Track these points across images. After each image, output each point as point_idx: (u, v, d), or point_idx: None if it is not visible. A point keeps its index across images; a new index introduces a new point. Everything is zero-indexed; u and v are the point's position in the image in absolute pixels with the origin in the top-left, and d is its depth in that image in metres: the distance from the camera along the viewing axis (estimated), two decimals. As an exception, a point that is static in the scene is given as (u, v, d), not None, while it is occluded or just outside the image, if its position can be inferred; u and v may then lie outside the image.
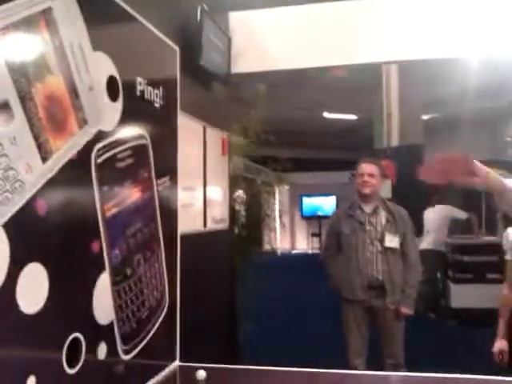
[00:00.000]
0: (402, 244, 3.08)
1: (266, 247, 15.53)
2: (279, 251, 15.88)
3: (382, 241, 3.06)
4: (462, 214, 6.44)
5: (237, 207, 5.18)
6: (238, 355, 3.21)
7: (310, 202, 16.22)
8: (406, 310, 3.07)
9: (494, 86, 8.60)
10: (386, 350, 3.12)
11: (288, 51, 3.20)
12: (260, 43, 3.11)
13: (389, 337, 3.11)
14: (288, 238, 16.60)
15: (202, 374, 1.81)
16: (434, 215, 6.41)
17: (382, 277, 3.03)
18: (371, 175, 3.10)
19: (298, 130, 14.07)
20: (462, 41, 3.15)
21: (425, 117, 9.59)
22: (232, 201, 3.26)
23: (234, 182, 5.25)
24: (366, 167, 3.12)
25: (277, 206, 16.13)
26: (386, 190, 7.63)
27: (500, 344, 2.31)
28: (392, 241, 3.06)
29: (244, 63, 3.06)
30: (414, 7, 3.20)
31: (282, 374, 1.96)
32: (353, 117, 12.82)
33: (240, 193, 5.45)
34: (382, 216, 3.12)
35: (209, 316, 2.60)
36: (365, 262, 3.05)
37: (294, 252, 16.50)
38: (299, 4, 3.35)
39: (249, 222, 5.93)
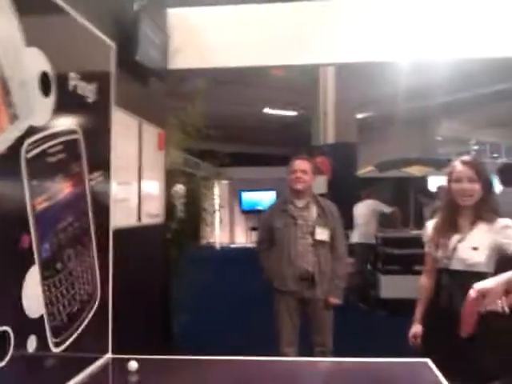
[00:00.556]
0: (331, 237, 3.23)
1: (205, 241, 15.54)
2: (218, 245, 15.99)
3: (312, 234, 3.19)
4: (386, 209, 6.76)
5: (176, 201, 5.20)
6: (172, 347, 3.26)
7: (250, 197, 16.37)
8: (335, 300, 3.22)
9: (424, 88, 9.04)
10: (315, 339, 3.26)
11: (226, 49, 3.26)
12: (198, 40, 3.16)
13: (319, 326, 3.25)
14: (227, 232, 16.71)
15: (133, 365, 1.86)
16: (363, 210, 6.70)
17: (313, 268, 3.17)
18: (304, 171, 3.22)
19: (239, 125, 14.17)
20: (394, 45, 3.33)
21: (360, 116, 9.94)
22: (168, 195, 3.28)
23: (172, 176, 5.27)
24: (299, 164, 3.24)
25: (216, 201, 16.20)
26: (321, 185, 7.87)
27: (415, 328, 2.48)
28: (322, 234, 3.19)
29: (182, 60, 3.10)
30: (350, 12, 3.34)
31: (212, 363, 2.03)
32: (293, 113, 13.05)
33: (179, 187, 5.47)
34: (313, 210, 3.25)
35: (143, 309, 2.63)
36: (296, 255, 3.17)
37: (233, 246, 16.61)
38: (239, 3, 3.43)
39: (187, 216, 5.95)
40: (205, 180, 9.57)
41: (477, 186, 2.25)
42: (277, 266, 3.23)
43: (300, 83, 8.53)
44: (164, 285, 3.10)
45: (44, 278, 1.58)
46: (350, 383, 1.89)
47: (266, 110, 12.81)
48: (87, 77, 1.84)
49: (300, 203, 3.26)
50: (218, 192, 16.35)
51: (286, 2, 3.44)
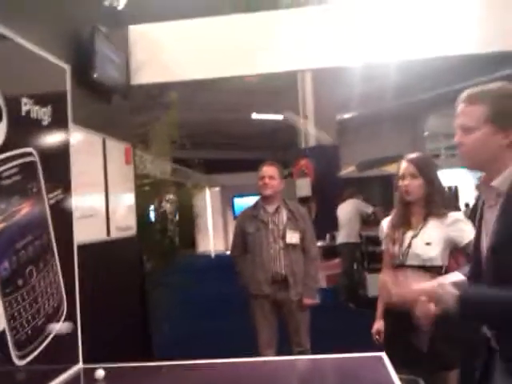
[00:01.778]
0: (302, 240, 3.32)
1: (200, 249, 15.53)
2: (213, 253, 16.02)
3: (283, 238, 3.28)
4: (368, 208, 6.86)
5: (167, 212, 5.28)
6: (153, 358, 3.33)
7: (242, 203, 16.46)
8: (309, 301, 3.31)
9: (409, 85, 9.15)
10: (293, 339, 3.35)
11: (190, 62, 3.34)
12: (161, 55, 3.23)
13: (295, 327, 3.34)
14: (221, 238, 16.75)
15: (100, 373, 1.94)
16: (345, 210, 6.80)
17: (285, 271, 3.26)
18: (271, 177, 3.31)
19: (228, 131, 14.28)
20: (370, 47, 3.32)
21: (345, 116, 10.05)
22: (139, 208, 3.35)
23: (162, 187, 5.36)
24: (266, 170, 3.33)
25: (209, 208, 16.29)
26: (306, 187, 7.99)
27: (377, 325, 2.58)
28: (293, 237, 3.29)
29: (145, 75, 3.19)
30: (314, 19, 3.38)
31: (185, 368, 2.10)
32: (279, 117, 13.17)
33: (169, 197, 5.55)
34: (284, 215, 3.34)
35: (118, 321, 2.71)
36: (268, 259, 3.26)
37: (228, 253, 16.63)
38: (201, 17, 3.52)
39: (180, 226, 6.04)
40: (195, 188, 9.66)
41: (417, 182, 2.35)
42: (250, 271, 3.32)
43: (280, 87, 8.64)
44: (141, 296, 3.18)
45: (4, 294, 1.66)
46: (304, 379, 1.97)
47: (254, 115, 12.92)
48: (41, 100, 1.93)
49: (270, 208, 3.35)
50: (209, 199, 16.42)
51: (248, 13, 3.54)
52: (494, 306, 1.45)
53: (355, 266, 6.86)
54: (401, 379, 1.84)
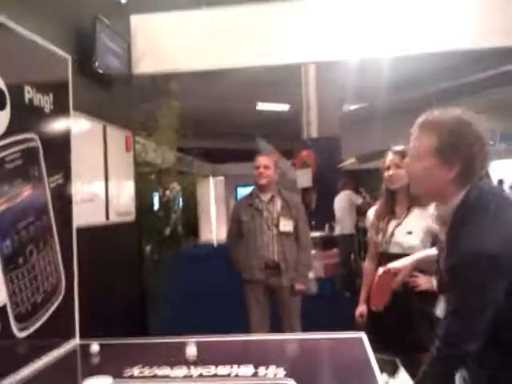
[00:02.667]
0: (295, 228, 3.42)
1: (203, 239, 15.60)
2: (216, 242, 16.12)
3: (277, 226, 3.39)
4: (357, 200, 6.95)
5: (171, 201, 5.40)
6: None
7: (245, 192, 16.53)
8: (300, 287, 3.42)
9: (415, 77, 9.19)
10: (285, 324, 3.46)
11: (193, 53, 3.43)
12: (162, 45, 3.33)
13: (286, 312, 3.45)
14: (225, 228, 16.85)
15: (94, 348, 2.07)
16: (339, 202, 6.90)
17: (278, 258, 3.37)
18: (266, 167, 3.42)
19: (232, 121, 14.35)
20: (376, 41, 3.40)
21: (349, 108, 10.11)
22: (142, 195, 3.47)
23: (165, 175, 5.47)
24: (262, 160, 3.44)
25: (212, 198, 16.39)
26: (307, 178, 8.08)
27: (360, 308, 2.69)
28: (286, 225, 3.39)
29: (147, 64, 3.29)
30: (316, 12, 3.45)
31: (175, 345, 2.21)
32: (285, 107, 13.21)
33: (173, 186, 5.67)
34: (278, 203, 3.45)
35: (115, 301, 2.83)
36: (262, 245, 3.37)
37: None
38: (203, 7, 3.60)
39: (183, 215, 6.16)
40: (199, 177, 9.72)
41: (401, 172, 2.45)
42: (244, 257, 3.43)
43: (284, 78, 8.70)
44: (138, 279, 3.30)
45: (6, 271, 1.78)
46: (289, 356, 2.09)
47: (259, 105, 12.98)
48: (43, 89, 2.04)
49: (265, 197, 3.46)
50: (213, 189, 16.50)
51: (251, 5, 3.60)
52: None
53: (352, 257, 6.97)
54: (378, 358, 1.95)
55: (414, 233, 2.45)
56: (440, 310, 1.72)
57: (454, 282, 1.44)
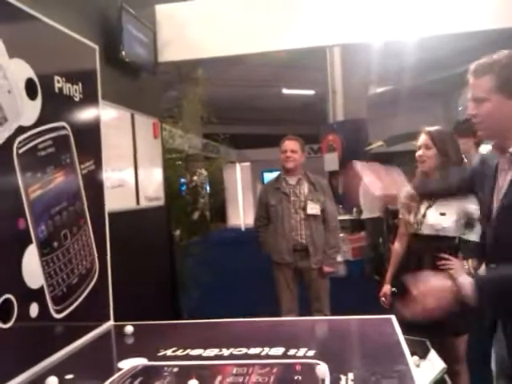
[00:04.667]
0: (322, 211, 3.44)
1: (231, 223, 15.78)
2: (243, 226, 16.22)
3: (304, 209, 3.41)
4: None
5: (198, 186, 5.47)
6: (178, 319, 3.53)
7: (271, 177, 16.52)
8: (329, 269, 3.44)
9: (443, 59, 9.00)
10: (314, 306, 3.50)
11: (217, 39, 3.44)
12: (186, 33, 3.35)
13: (315, 294, 3.49)
14: (252, 213, 16.92)
15: (129, 329, 2.13)
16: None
17: (306, 241, 3.40)
18: (293, 151, 3.44)
19: (259, 106, 14.32)
20: (400, 23, 3.35)
21: (377, 91, 9.96)
22: (171, 181, 3.53)
23: (192, 161, 5.53)
24: (288, 144, 3.46)
25: (239, 183, 16.45)
26: (333, 162, 8.03)
27: (385, 288, 2.70)
28: (313, 208, 3.41)
29: (172, 52, 3.32)
30: None
31: (205, 325, 2.27)
32: (310, 92, 13.12)
33: (200, 171, 5.73)
34: (305, 187, 3.47)
35: (147, 284, 2.90)
36: (290, 229, 3.40)
37: (258, 227, 16.78)
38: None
39: (211, 200, 6.23)
40: (226, 163, 9.79)
41: (430, 152, 2.43)
42: (273, 241, 3.47)
43: (310, 62, 8.64)
44: (169, 262, 3.37)
45: (42, 254, 1.85)
46: (318, 338, 2.11)
47: (284, 91, 12.91)
48: (72, 78, 2.08)
49: (292, 180, 3.47)
50: (240, 174, 16.58)
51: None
52: (509, 286, 1.49)
53: (380, 240, 6.91)
54: (408, 340, 1.96)
55: (446, 214, 2.43)
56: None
57: None
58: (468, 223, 2.46)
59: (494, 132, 1.61)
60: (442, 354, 2.33)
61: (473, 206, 2.41)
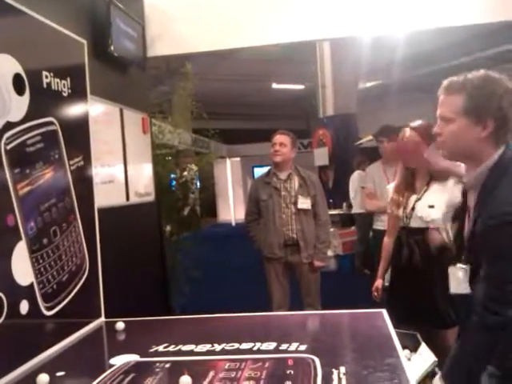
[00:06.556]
0: (313, 205, 3.44)
1: (221, 218, 15.71)
2: (234, 221, 16.23)
3: (295, 203, 3.42)
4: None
5: (188, 181, 5.45)
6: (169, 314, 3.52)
7: (262, 172, 16.53)
8: (319, 264, 3.45)
9: (430, 54, 9.02)
10: (305, 300, 3.51)
11: (206, 33, 3.42)
12: (175, 28, 3.33)
13: (306, 288, 3.50)
14: (242, 208, 16.94)
15: (120, 325, 2.13)
16: (354, 182, 6.86)
17: (296, 235, 3.40)
18: (282, 144, 3.43)
19: (248, 101, 14.30)
20: (389, 17, 3.34)
21: (366, 85, 9.97)
22: (160, 176, 3.51)
23: (182, 156, 5.50)
24: (278, 137, 3.46)
25: (229, 178, 16.46)
26: (323, 156, 8.05)
27: (377, 283, 2.72)
28: (304, 203, 3.42)
29: (161, 47, 3.29)
30: None
31: (197, 321, 2.27)
32: (300, 87, 13.11)
33: (190, 166, 5.71)
34: (295, 181, 3.47)
35: (138, 280, 2.89)
36: (281, 223, 3.40)
37: (249, 221, 16.79)
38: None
39: (201, 195, 6.21)
40: (216, 158, 9.73)
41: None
42: (264, 235, 3.47)
43: (299, 56, 8.63)
44: (160, 258, 3.36)
45: (32, 251, 1.83)
46: (310, 332, 2.12)
47: (274, 85, 12.89)
48: (60, 73, 2.06)
49: (282, 175, 3.47)
50: (230, 169, 16.57)
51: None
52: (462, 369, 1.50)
53: (370, 234, 6.94)
54: (399, 333, 1.97)
55: (435, 206, 2.45)
56: (454, 287, 1.71)
57: (488, 245, 1.42)
58: (456, 215, 2.47)
59: (453, 154, 1.56)
60: (432, 346, 2.35)
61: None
